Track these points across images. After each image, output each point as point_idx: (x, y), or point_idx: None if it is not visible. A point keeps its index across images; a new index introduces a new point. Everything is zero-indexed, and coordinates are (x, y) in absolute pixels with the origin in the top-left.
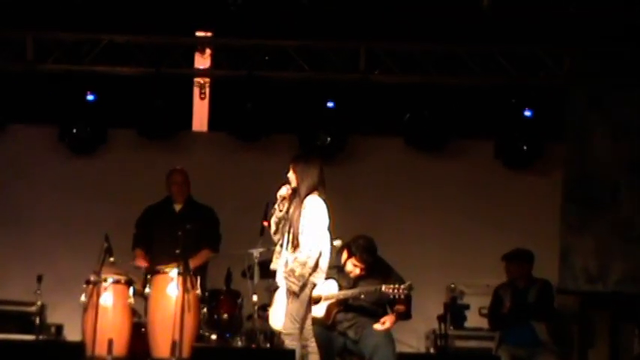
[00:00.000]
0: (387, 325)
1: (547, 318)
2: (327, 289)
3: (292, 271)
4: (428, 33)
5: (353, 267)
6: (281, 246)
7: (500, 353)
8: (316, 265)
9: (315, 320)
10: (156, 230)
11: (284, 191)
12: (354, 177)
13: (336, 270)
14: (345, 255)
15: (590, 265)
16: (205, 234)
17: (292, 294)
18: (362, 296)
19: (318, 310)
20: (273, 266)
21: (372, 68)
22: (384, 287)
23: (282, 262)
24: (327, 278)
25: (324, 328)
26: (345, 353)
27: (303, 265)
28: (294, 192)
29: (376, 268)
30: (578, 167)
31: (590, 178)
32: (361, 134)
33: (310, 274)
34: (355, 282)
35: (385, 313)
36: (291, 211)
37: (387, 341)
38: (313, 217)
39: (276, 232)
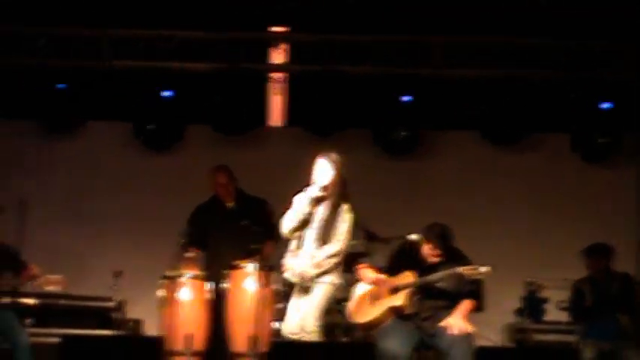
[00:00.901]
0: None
1: (630, 311)
2: (404, 278)
3: (319, 264)
4: (504, 26)
5: (429, 254)
6: (297, 247)
7: (584, 347)
8: (339, 264)
9: (394, 309)
10: (210, 229)
11: (316, 192)
12: (429, 171)
13: (412, 260)
14: (422, 244)
15: None
16: (262, 226)
17: (305, 290)
18: (440, 282)
19: (397, 299)
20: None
21: (448, 62)
22: (461, 269)
23: (298, 261)
24: (402, 270)
25: (402, 319)
26: (421, 348)
27: (333, 255)
28: (328, 191)
29: (453, 257)
30: None
31: None
32: (436, 128)
33: (326, 272)
34: (432, 270)
35: None
36: (321, 211)
37: (465, 337)
38: (349, 219)
39: (296, 230)
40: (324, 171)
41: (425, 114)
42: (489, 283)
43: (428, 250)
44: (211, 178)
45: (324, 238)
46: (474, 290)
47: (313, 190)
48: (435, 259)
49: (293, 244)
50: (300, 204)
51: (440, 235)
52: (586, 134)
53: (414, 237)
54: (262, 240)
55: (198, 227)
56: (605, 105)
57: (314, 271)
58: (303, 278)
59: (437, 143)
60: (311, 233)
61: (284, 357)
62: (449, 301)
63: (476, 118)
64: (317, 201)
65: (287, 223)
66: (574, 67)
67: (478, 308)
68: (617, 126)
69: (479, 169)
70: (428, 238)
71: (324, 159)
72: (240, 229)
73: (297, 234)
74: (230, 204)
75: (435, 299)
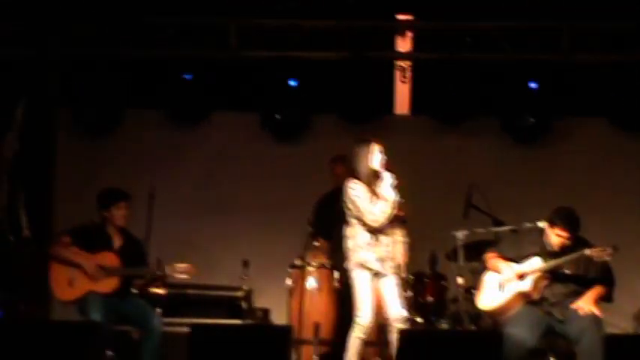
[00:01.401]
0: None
1: None
2: (531, 264)
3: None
4: (633, 9)
5: (557, 237)
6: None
7: None
8: None
9: (522, 295)
10: (334, 219)
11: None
12: (558, 158)
13: (539, 248)
14: (548, 230)
15: None
16: None
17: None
18: (567, 266)
19: (524, 285)
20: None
21: (576, 47)
22: (587, 251)
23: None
24: (529, 257)
25: (532, 305)
26: (550, 335)
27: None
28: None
29: (579, 243)
30: None
31: None
32: (565, 114)
33: None
34: (558, 256)
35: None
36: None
37: (595, 324)
38: None
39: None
40: (380, 156)
41: (553, 101)
42: (619, 269)
43: (554, 235)
44: (330, 168)
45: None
46: (605, 277)
47: (390, 178)
48: (562, 244)
49: (367, 237)
50: (389, 193)
51: (566, 218)
52: None
53: (542, 224)
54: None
55: (323, 217)
56: None
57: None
58: (399, 267)
59: (565, 130)
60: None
61: (413, 346)
62: (578, 286)
63: (604, 104)
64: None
65: (382, 213)
66: None
67: (608, 297)
68: None
69: (607, 156)
70: (554, 222)
71: (377, 145)
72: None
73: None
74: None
75: (563, 285)
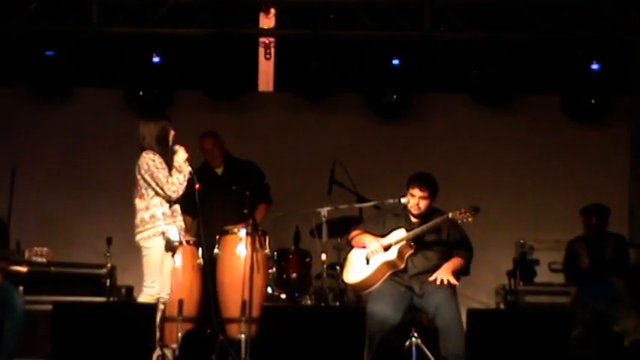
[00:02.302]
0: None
1: (624, 272)
2: (395, 235)
3: None
4: None
5: (412, 198)
6: None
7: (578, 308)
8: None
9: (388, 265)
10: (200, 196)
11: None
12: (420, 134)
13: (403, 222)
14: (407, 196)
15: None
16: (254, 189)
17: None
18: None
19: (390, 255)
20: None
21: (437, 25)
22: (450, 214)
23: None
24: (393, 230)
25: (393, 281)
26: (413, 310)
27: None
28: None
29: (437, 212)
30: None
31: None
32: (427, 91)
33: None
34: (422, 224)
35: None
36: None
37: (450, 299)
38: None
39: None
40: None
41: (415, 77)
42: (481, 245)
43: (410, 196)
44: (199, 144)
45: None
46: (464, 242)
47: (183, 152)
48: (422, 207)
49: (166, 208)
50: (184, 165)
51: (419, 177)
52: (576, 95)
53: (404, 200)
54: (254, 204)
55: (187, 193)
56: (595, 66)
57: None
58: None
59: (427, 106)
60: None
61: (276, 322)
62: (438, 260)
63: (465, 80)
64: None
65: (180, 185)
66: (564, 28)
67: (466, 269)
68: (607, 86)
69: (469, 132)
70: (409, 183)
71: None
72: (230, 194)
73: None
74: (219, 169)
75: (424, 257)
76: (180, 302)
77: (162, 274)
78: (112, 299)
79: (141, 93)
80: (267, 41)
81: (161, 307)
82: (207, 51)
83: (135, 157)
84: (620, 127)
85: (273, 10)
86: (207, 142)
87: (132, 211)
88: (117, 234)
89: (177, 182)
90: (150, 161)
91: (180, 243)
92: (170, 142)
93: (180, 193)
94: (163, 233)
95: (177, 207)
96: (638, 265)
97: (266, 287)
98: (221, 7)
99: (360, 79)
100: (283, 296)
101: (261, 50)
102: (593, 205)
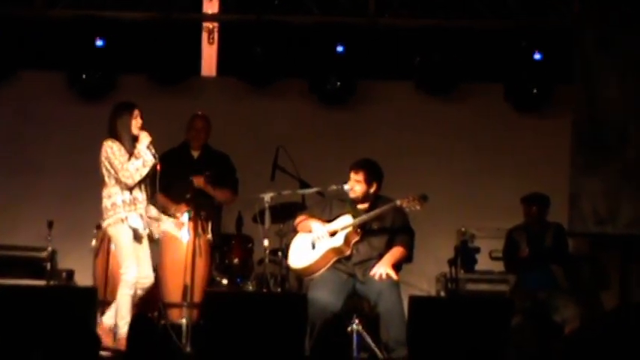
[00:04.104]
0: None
1: (563, 261)
2: (341, 221)
3: None
4: None
5: (355, 183)
6: None
7: (517, 296)
8: None
9: (334, 251)
10: (172, 176)
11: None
12: (364, 121)
13: (347, 208)
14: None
15: (599, 207)
16: (225, 179)
17: None
18: (373, 222)
19: (336, 241)
20: None
21: (382, 11)
22: (398, 201)
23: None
24: (339, 215)
25: (336, 268)
26: (355, 297)
27: None
28: None
29: (382, 200)
30: (587, 110)
31: (599, 120)
32: (371, 78)
33: None
34: (368, 211)
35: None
36: None
37: (392, 286)
38: None
39: None
40: (139, 120)
41: (360, 64)
42: (422, 233)
43: (353, 181)
44: (189, 122)
45: None
46: (404, 239)
47: (146, 140)
48: (362, 190)
49: (126, 196)
50: (145, 153)
51: (361, 162)
52: (519, 84)
53: (347, 186)
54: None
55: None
56: (538, 55)
57: None
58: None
59: (371, 93)
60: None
61: (218, 307)
62: (383, 249)
63: (410, 68)
64: None
65: (136, 171)
66: (508, 17)
67: (408, 257)
68: (550, 75)
69: (412, 119)
70: (351, 168)
71: (137, 109)
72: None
73: None
74: (196, 153)
75: (369, 245)
76: None
77: (137, 260)
78: (52, 283)
79: (84, 76)
80: (210, 26)
81: (139, 292)
82: (151, 35)
83: (78, 139)
84: (561, 116)
85: None
86: (199, 121)
87: (73, 194)
88: (58, 218)
89: (132, 169)
90: (108, 149)
91: (150, 232)
92: (134, 130)
93: (137, 179)
94: (123, 220)
95: (138, 194)
96: (576, 254)
97: (209, 273)
98: None
99: (304, 65)
100: (225, 282)
101: (205, 35)
102: (534, 194)
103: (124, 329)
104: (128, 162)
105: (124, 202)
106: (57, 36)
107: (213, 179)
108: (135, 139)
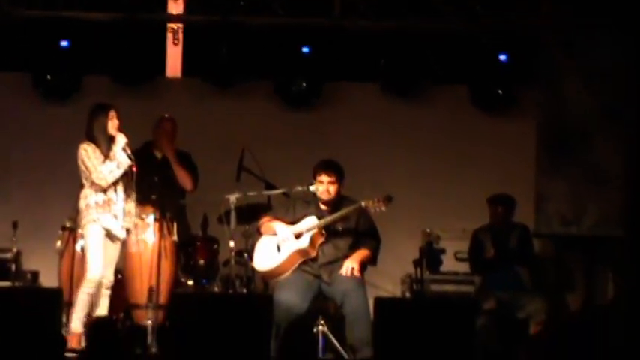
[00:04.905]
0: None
1: (528, 262)
2: (307, 223)
3: None
4: None
5: (321, 185)
6: None
7: (483, 297)
8: None
9: (300, 253)
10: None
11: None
12: (329, 123)
13: (313, 209)
14: (316, 184)
15: (564, 209)
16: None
17: None
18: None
19: (302, 242)
20: None
21: (348, 13)
22: (363, 203)
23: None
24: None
25: (302, 270)
26: (321, 297)
27: None
28: None
29: (347, 201)
30: (551, 112)
31: (564, 122)
32: (337, 80)
33: None
34: (333, 212)
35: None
36: None
37: (358, 287)
38: None
39: None
40: (116, 121)
41: (326, 66)
42: (387, 234)
43: (318, 183)
44: (158, 124)
45: None
46: (371, 243)
47: (122, 141)
48: (328, 193)
49: (100, 198)
50: (120, 155)
51: (325, 163)
52: (484, 86)
53: (313, 188)
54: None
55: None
56: (503, 57)
57: None
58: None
59: (337, 95)
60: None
61: (183, 308)
62: (348, 250)
63: (376, 69)
64: None
65: (110, 173)
66: (473, 19)
67: (374, 259)
68: (515, 77)
69: (378, 121)
70: (316, 171)
71: (114, 110)
72: (166, 179)
73: None
74: (159, 154)
75: (334, 246)
76: None
77: (104, 260)
78: (17, 284)
79: (49, 77)
80: (175, 27)
81: (106, 291)
82: (116, 36)
83: (43, 140)
84: (526, 118)
85: None
86: (169, 124)
87: (38, 195)
88: (23, 218)
89: (105, 171)
90: (83, 151)
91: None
92: (111, 131)
93: (110, 181)
94: (95, 221)
95: (113, 196)
96: (541, 256)
97: (174, 274)
98: None
99: (269, 67)
100: (190, 283)
101: (170, 36)
102: (500, 195)
103: (75, 324)
104: (103, 164)
105: (96, 203)
106: (21, 37)
107: (174, 176)
108: (112, 140)
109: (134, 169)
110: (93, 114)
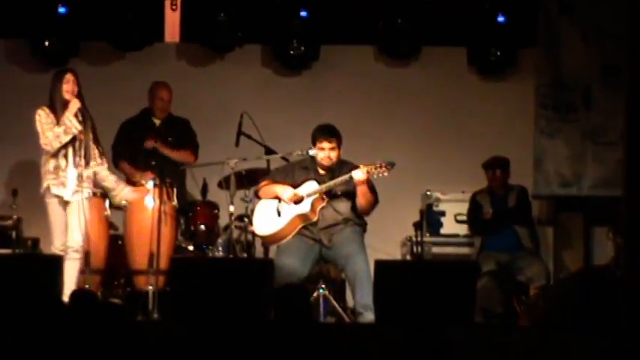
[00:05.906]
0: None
1: (527, 222)
2: (307, 188)
3: None
4: None
5: (324, 152)
6: None
7: (482, 259)
8: None
9: (301, 217)
10: (135, 144)
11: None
12: (327, 86)
13: (312, 174)
14: (316, 150)
15: (563, 170)
16: (185, 144)
17: None
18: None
19: (303, 207)
20: None
21: None
22: (366, 168)
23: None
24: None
25: (302, 235)
26: (321, 261)
27: None
28: None
29: (347, 165)
30: (550, 73)
31: (562, 83)
32: (334, 43)
33: None
34: (333, 177)
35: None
36: None
37: (359, 251)
38: None
39: None
40: (72, 86)
41: (323, 29)
42: (387, 197)
43: (318, 150)
44: (153, 91)
45: None
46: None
47: (75, 106)
48: (332, 158)
49: (53, 163)
50: (69, 120)
51: (324, 128)
52: (482, 48)
53: (312, 152)
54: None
55: (126, 144)
56: (501, 18)
57: None
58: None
59: (335, 58)
60: None
61: (184, 274)
62: (348, 213)
63: (373, 32)
64: None
65: (56, 138)
66: None
67: (372, 205)
68: (514, 39)
69: (376, 84)
70: (315, 137)
71: (71, 74)
72: (166, 145)
73: None
74: (158, 120)
75: (334, 210)
76: (87, 254)
77: (61, 226)
78: (17, 251)
79: (46, 43)
80: None
81: (74, 254)
82: (114, 1)
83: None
84: (525, 79)
85: None
86: (166, 92)
87: (37, 162)
88: (23, 186)
89: (50, 136)
90: (37, 116)
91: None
92: (65, 95)
93: (55, 146)
94: (49, 187)
95: (62, 162)
96: (540, 217)
97: (174, 239)
98: None
99: (267, 31)
100: (191, 248)
101: (167, 1)
102: (495, 158)
103: None
104: (51, 130)
105: (47, 171)
106: (19, 3)
107: (173, 143)
108: (67, 105)
109: (82, 136)
110: (52, 79)
